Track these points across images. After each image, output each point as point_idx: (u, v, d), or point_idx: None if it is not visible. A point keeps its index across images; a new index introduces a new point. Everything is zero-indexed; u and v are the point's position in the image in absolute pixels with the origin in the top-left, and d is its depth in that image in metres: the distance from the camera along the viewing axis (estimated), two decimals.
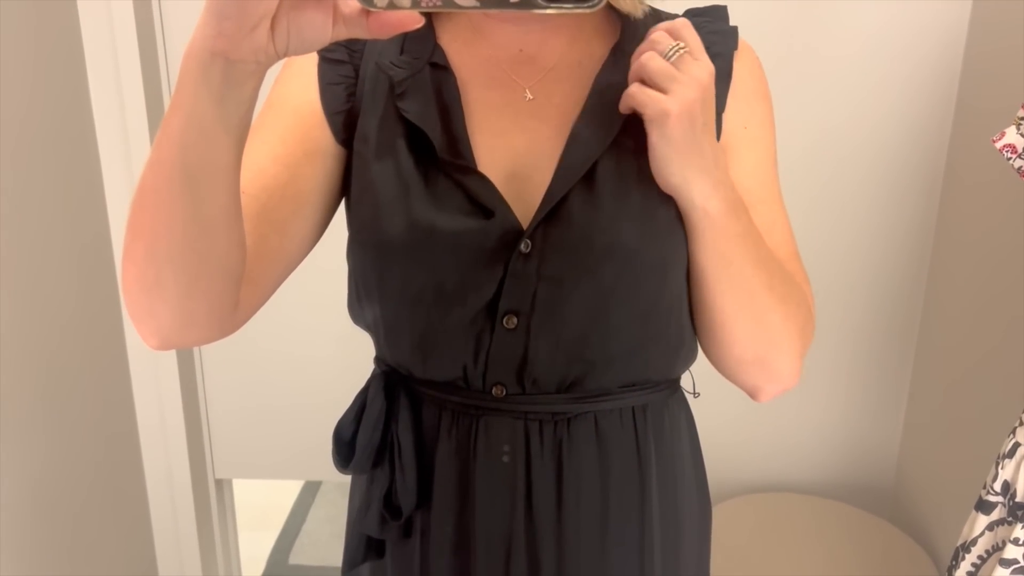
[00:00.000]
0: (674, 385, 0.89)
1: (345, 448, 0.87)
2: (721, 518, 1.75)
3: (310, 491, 2.71)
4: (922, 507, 1.82)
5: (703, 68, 0.72)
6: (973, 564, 1.08)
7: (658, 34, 0.73)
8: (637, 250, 0.77)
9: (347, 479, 2.76)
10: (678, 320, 0.83)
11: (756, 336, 0.80)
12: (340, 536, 2.47)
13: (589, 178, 0.77)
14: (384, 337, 0.84)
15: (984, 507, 1.06)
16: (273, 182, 0.77)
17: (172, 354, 1.83)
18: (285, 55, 0.56)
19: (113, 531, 1.83)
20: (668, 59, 0.72)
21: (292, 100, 0.81)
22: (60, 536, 1.63)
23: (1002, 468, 1.04)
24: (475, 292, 0.77)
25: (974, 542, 1.07)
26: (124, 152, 1.71)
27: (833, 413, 1.93)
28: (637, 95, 0.72)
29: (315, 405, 1.96)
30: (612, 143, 0.77)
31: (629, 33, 0.82)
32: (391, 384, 0.85)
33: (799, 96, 1.70)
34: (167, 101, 1.76)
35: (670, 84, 0.71)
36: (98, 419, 1.75)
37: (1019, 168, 1.13)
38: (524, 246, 0.76)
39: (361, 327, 0.89)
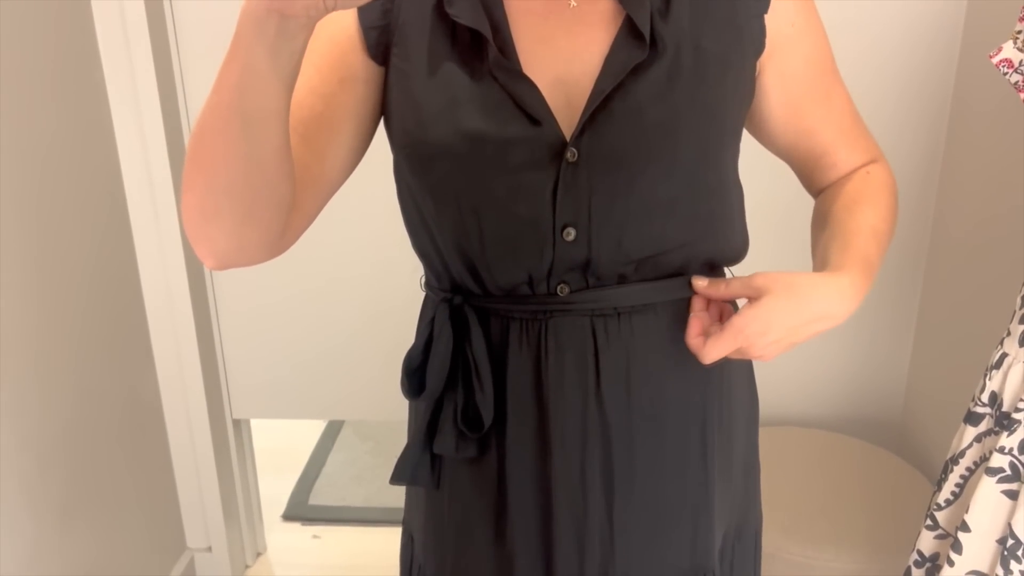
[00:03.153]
0: (723, 276, 0.92)
1: (415, 379, 0.89)
2: None
3: (330, 435, 2.76)
4: (929, 440, 1.83)
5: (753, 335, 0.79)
6: (961, 476, 1.09)
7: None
8: (685, 148, 0.80)
9: (364, 421, 2.79)
10: (728, 207, 0.88)
11: None
12: (359, 478, 2.53)
13: (633, 81, 0.79)
14: (444, 249, 0.86)
15: (972, 419, 1.07)
16: (309, 113, 0.80)
17: (186, 295, 1.87)
18: (333, 10, 0.60)
19: (135, 472, 1.89)
20: None
21: (328, 27, 0.82)
22: (83, 479, 1.69)
23: (989, 379, 1.04)
24: (528, 202, 0.80)
25: (962, 454, 1.08)
26: (134, 105, 1.74)
27: (840, 347, 1.93)
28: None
29: (329, 345, 2.00)
30: (654, 47, 0.79)
31: None
32: (456, 308, 0.87)
33: None
34: (179, 88, 1.81)
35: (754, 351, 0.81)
36: (116, 362, 1.80)
37: (1015, 83, 1.12)
38: (571, 155, 0.78)
39: (417, 249, 0.90)
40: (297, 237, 0.82)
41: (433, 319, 0.88)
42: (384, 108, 0.85)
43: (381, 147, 0.88)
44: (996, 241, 1.56)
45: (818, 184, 0.96)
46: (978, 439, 1.07)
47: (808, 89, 0.89)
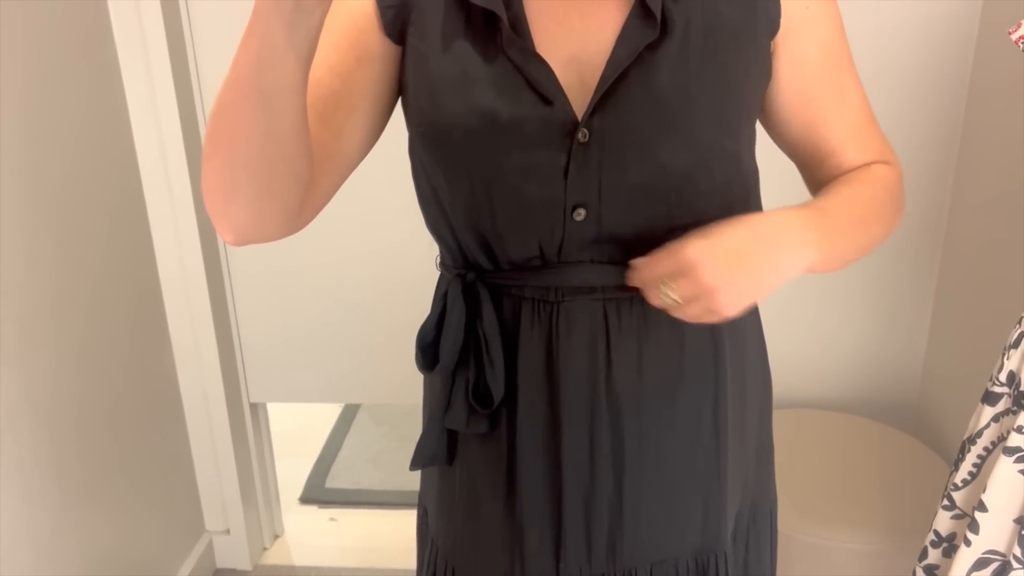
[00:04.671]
0: None
1: (429, 353, 0.90)
2: None
3: (346, 420, 2.78)
4: (946, 422, 1.82)
5: (696, 288, 0.75)
6: (979, 456, 1.08)
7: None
8: (698, 127, 0.80)
9: (380, 404, 2.81)
10: (743, 190, 0.86)
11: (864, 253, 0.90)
12: (375, 461, 2.55)
13: (645, 61, 0.79)
14: (457, 224, 0.86)
15: (990, 399, 1.07)
16: (327, 91, 0.81)
17: (203, 281, 1.89)
18: None
19: (154, 456, 1.90)
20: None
21: (345, 5, 0.83)
22: (104, 463, 1.71)
23: (1007, 359, 1.04)
24: (539, 181, 0.80)
25: (979, 434, 1.08)
26: (149, 92, 1.75)
27: (858, 329, 1.93)
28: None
29: (346, 329, 2.01)
30: (664, 26, 0.79)
31: None
32: (469, 284, 0.88)
33: None
34: (195, 84, 1.82)
35: (692, 307, 0.76)
36: (134, 347, 1.81)
37: None
38: (582, 135, 0.78)
39: (431, 228, 0.91)
40: (315, 214, 0.82)
41: (446, 293, 0.89)
42: (401, 87, 0.85)
43: (398, 128, 0.89)
44: (1013, 224, 1.55)
45: (821, 183, 0.93)
46: (996, 419, 1.06)
47: (820, 78, 0.88)
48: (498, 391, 0.87)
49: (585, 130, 0.79)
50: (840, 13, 0.88)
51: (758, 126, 0.91)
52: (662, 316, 0.84)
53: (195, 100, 1.83)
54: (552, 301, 0.85)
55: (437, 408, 0.92)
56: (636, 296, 0.83)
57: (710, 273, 0.74)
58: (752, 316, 0.96)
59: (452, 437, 0.94)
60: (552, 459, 0.89)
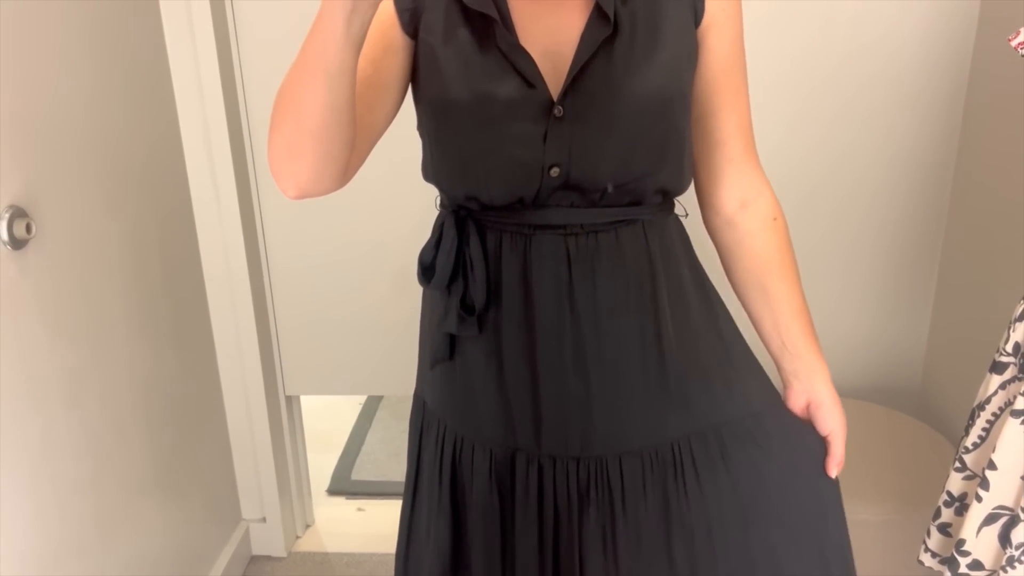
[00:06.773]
0: (671, 206, 1.13)
1: (428, 270, 1.12)
2: None
3: (367, 416, 2.87)
4: (950, 406, 1.91)
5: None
6: (987, 421, 1.20)
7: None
8: (650, 102, 1.01)
9: (401, 399, 2.90)
10: (683, 147, 1.07)
11: None
12: (396, 455, 2.64)
13: (603, 53, 0.99)
14: (455, 179, 1.06)
15: (997, 368, 1.18)
16: (363, 75, 1.00)
17: (246, 281, 1.98)
18: None
19: (197, 449, 2.00)
20: None
21: None
22: (152, 456, 1.79)
23: (1013, 331, 1.15)
24: (523, 148, 1.01)
25: (988, 400, 1.19)
26: (195, 77, 1.85)
27: (859, 316, 2.02)
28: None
29: (376, 325, 2.10)
30: (616, 25, 0.99)
31: None
32: (461, 218, 1.08)
33: (828, 11, 1.79)
34: (239, 76, 1.92)
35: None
36: (180, 343, 1.90)
37: None
38: (557, 111, 0.99)
39: (432, 181, 1.11)
40: (355, 173, 1.02)
41: (443, 225, 1.10)
42: (414, 72, 1.05)
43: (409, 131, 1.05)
44: (1014, 211, 1.63)
45: (709, 174, 1.13)
46: (1003, 386, 1.18)
47: (724, 73, 1.08)
48: (480, 302, 1.08)
49: (560, 107, 0.99)
50: (743, 25, 1.08)
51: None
52: (611, 246, 1.06)
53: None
54: (526, 234, 1.05)
55: (436, 317, 1.13)
56: (590, 231, 1.05)
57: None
58: (683, 244, 1.14)
59: (453, 340, 1.14)
60: (529, 359, 1.09)
